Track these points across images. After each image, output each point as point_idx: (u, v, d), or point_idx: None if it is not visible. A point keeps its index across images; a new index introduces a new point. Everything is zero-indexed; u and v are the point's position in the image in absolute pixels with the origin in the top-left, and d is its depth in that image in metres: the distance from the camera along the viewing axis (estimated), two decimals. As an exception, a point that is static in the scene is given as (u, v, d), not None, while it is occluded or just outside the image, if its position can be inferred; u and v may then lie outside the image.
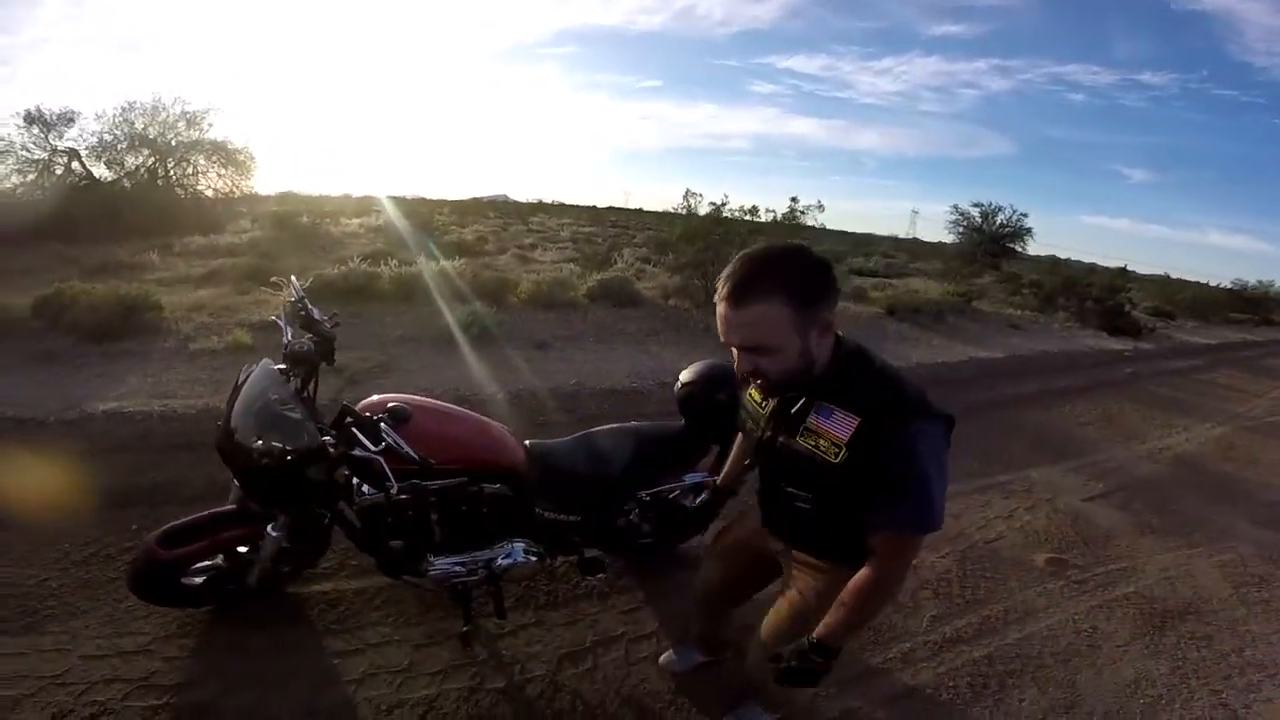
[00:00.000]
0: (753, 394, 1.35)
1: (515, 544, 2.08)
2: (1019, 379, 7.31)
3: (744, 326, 1.08)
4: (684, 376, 2.25)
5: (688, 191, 7.83)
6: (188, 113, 11.01)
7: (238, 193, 11.74)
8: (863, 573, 1.21)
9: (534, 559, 2.10)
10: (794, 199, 7.70)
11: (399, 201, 17.18)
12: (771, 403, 1.28)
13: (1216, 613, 2.84)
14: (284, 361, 1.89)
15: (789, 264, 1.07)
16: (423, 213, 15.40)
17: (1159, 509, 3.92)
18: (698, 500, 1.84)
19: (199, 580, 1.98)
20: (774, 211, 7.82)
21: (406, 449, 1.71)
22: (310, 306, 2.00)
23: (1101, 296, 13.42)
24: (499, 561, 2.03)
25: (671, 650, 2.12)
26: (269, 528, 1.89)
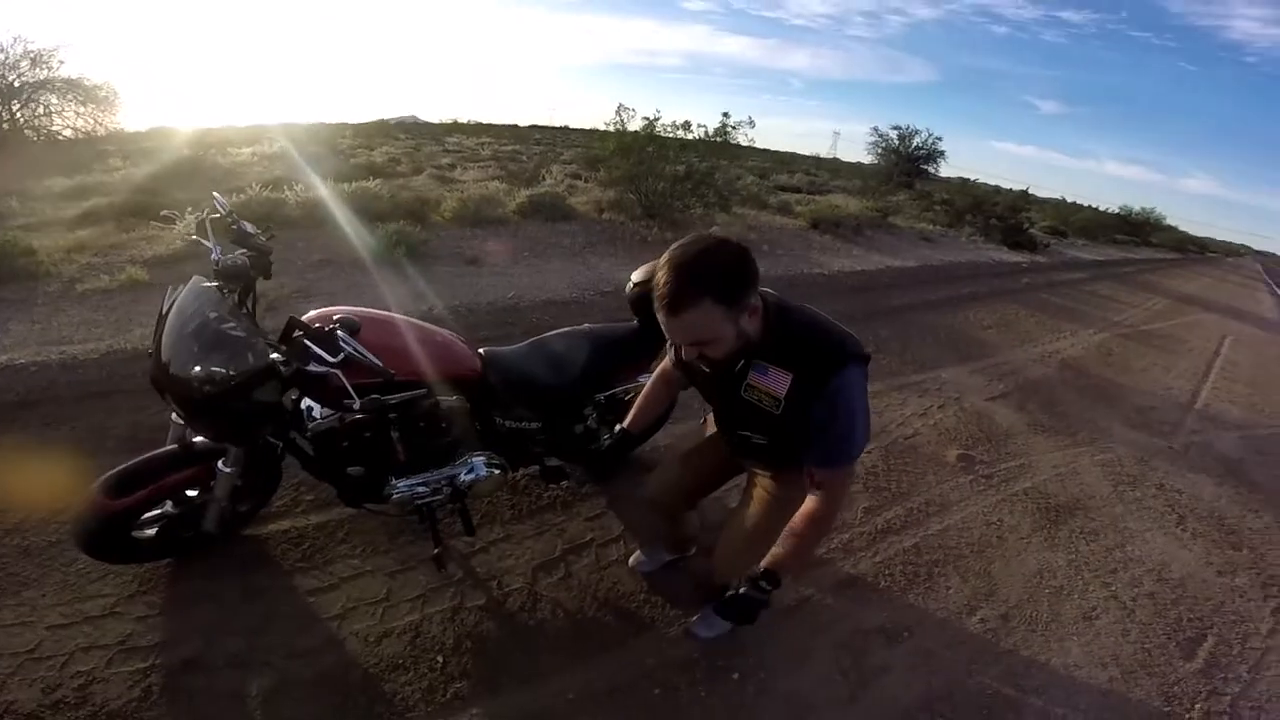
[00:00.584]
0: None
1: (476, 458, 2.03)
2: (929, 286, 7.84)
3: (684, 330, 1.22)
4: (636, 277, 2.21)
5: (620, 107, 7.50)
6: (31, 51, 9.44)
7: (102, 130, 10.32)
8: (806, 505, 1.37)
9: (496, 471, 2.07)
10: (725, 114, 7.58)
11: (295, 129, 15.47)
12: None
13: (1100, 509, 3.20)
14: (215, 279, 1.75)
15: (712, 267, 1.17)
16: (323, 137, 14.00)
17: (1049, 409, 4.41)
18: (605, 442, 1.79)
19: (151, 532, 1.87)
20: (705, 127, 7.67)
21: (370, 358, 1.59)
22: (240, 220, 1.86)
23: (1004, 215, 14.32)
24: (462, 477, 1.99)
25: (639, 551, 2.24)
26: (220, 464, 1.78)
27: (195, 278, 1.71)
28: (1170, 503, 3.43)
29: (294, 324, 1.57)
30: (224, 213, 1.85)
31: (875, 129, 24.64)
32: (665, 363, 1.74)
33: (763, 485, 1.64)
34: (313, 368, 1.56)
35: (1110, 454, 3.89)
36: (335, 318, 1.60)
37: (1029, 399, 4.53)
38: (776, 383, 1.32)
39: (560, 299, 4.74)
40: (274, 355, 1.53)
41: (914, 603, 2.34)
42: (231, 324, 1.60)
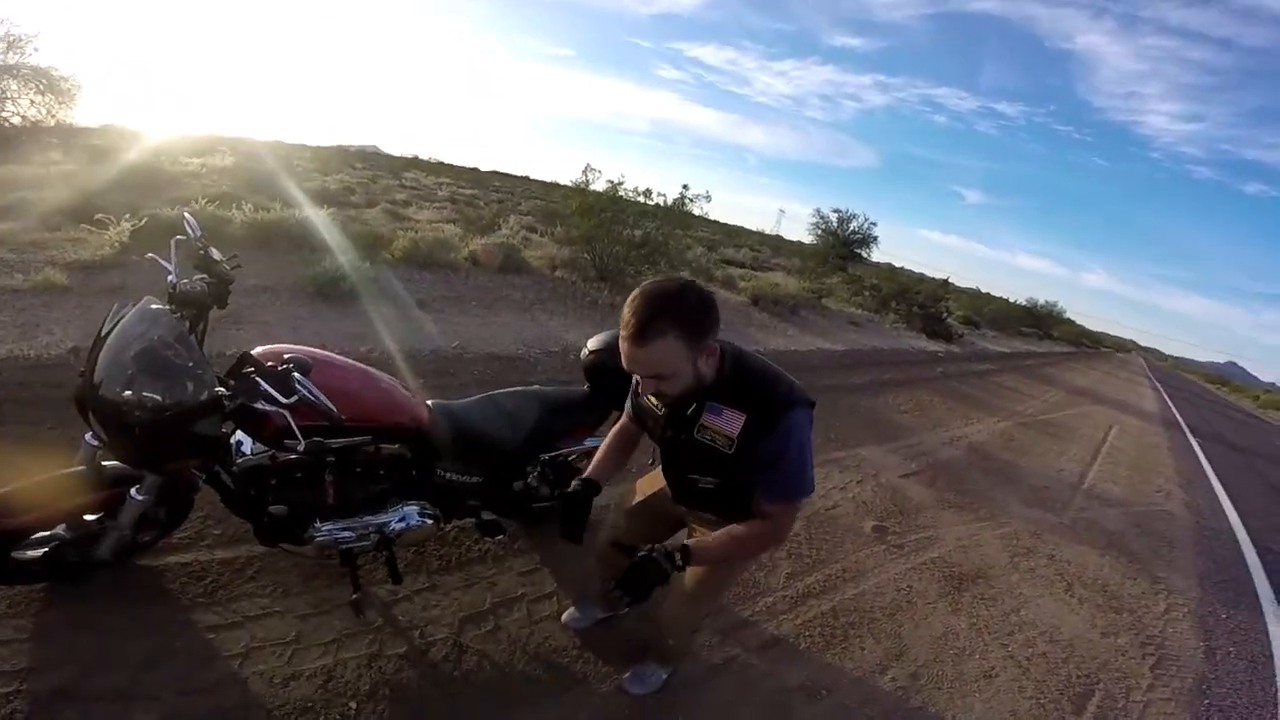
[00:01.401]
0: (651, 399, 1.54)
1: (409, 506, 2.03)
2: (854, 370, 8.33)
3: (646, 361, 1.29)
4: (592, 344, 2.31)
5: (587, 167, 7.85)
6: (9, 35, 9.04)
7: (50, 121, 9.79)
8: (752, 522, 1.47)
9: (429, 522, 2.06)
10: (685, 187, 8.03)
11: (251, 144, 15.12)
12: (665, 406, 1.50)
13: (998, 577, 3.47)
14: (169, 303, 1.70)
15: (680, 305, 1.27)
16: (279, 157, 13.72)
17: (956, 487, 4.76)
18: (570, 489, 1.76)
19: (35, 553, 1.71)
20: (664, 196, 8.07)
21: (324, 401, 1.57)
22: (209, 245, 1.84)
23: (926, 304, 15.49)
24: (393, 525, 1.97)
25: (573, 608, 2.26)
26: (133, 491, 1.69)
27: (146, 298, 1.65)
28: (1060, 571, 3.78)
29: (246, 359, 1.57)
30: (194, 236, 1.83)
31: (818, 210, 26.34)
32: (623, 418, 1.80)
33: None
34: (260, 405, 1.55)
35: (1008, 527, 4.25)
36: (286, 357, 1.59)
37: (939, 477, 4.87)
38: (730, 423, 1.40)
39: (505, 354, 4.79)
40: (220, 389, 1.53)
41: (832, 662, 2.46)
42: (179, 351, 1.56)
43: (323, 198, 10.74)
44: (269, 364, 1.55)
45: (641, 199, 7.95)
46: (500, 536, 2.32)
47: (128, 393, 1.46)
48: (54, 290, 3.97)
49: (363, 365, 2.00)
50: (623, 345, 1.30)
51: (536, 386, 2.40)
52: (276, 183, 10.25)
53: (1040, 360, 19.36)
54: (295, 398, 1.51)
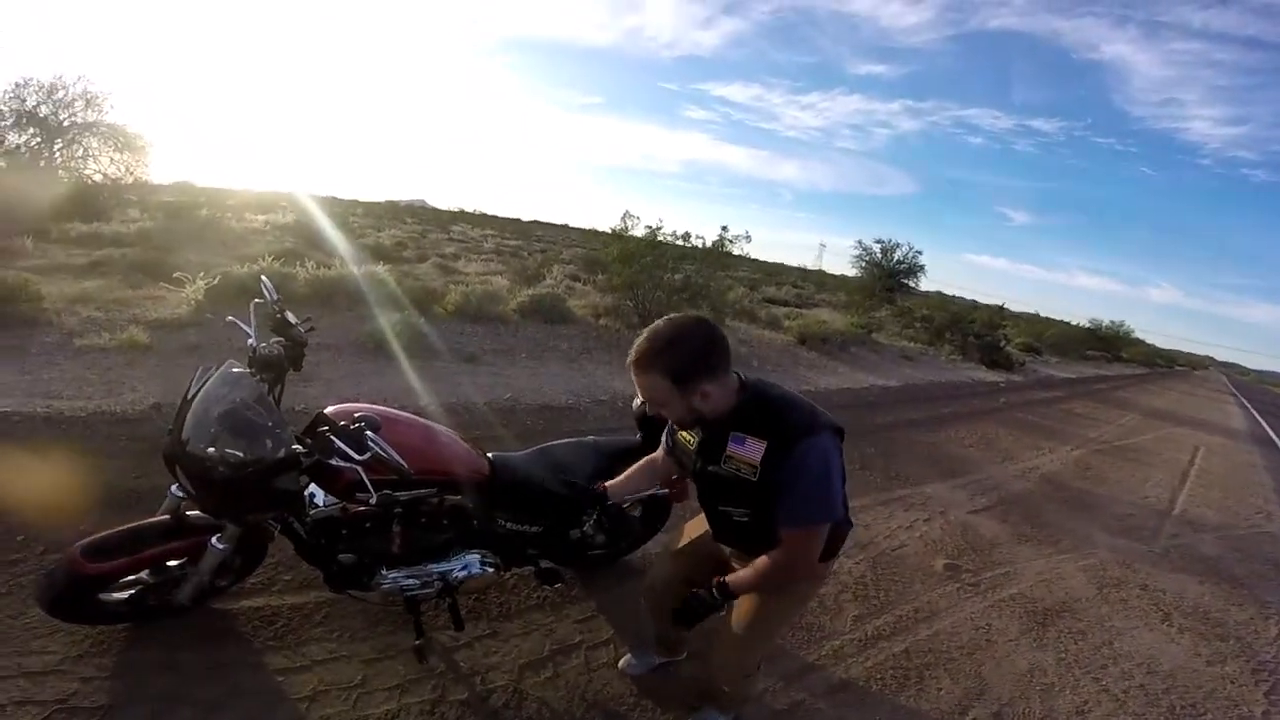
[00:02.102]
0: (683, 434, 1.62)
1: (471, 555, 2.10)
2: (912, 405, 8.03)
3: (642, 389, 1.44)
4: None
5: (626, 213, 8.04)
6: (88, 93, 9.98)
7: (129, 179, 10.67)
8: (775, 552, 1.47)
9: (490, 570, 2.14)
10: (724, 228, 8.10)
11: (309, 200, 16.24)
12: (697, 438, 1.56)
13: (1086, 610, 3.28)
14: (250, 366, 1.82)
15: (673, 351, 1.37)
16: (335, 214, 14.66)
17: (1031, 520, 4.48)
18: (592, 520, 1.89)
19: (121, 596, 1.85)
20: (703, 239, 8.17)
21: (395, 457, 1.68)
22: (285, 309, 1.95)
23: (981, 333, 14.96)
24: (455, 573, 2.05)
25: (629, 654, 2.22)
26: (213, 539, 1.80)
27: (228, 362, 1.79)
28: (1155, 601, 3.51)
29: (321, 419, 1.68)
30: (270, 299, 1.94)
31: (859, 242, 25.67)
32: (660, 449, 1.85)
33: None
34: (335, 461, 1.63)
35: (1093, 559, 3.97)
36: (358, 415, 1.69)
37: (1011, 511, 4.61)
38: (752, 451, 1.43)
39: (556, 404, 4.83)
40: (297, 447, 1.63)
41: (906, 704, 2.33)
42: (259, 411, 1.67)
43: (377, 253, 11.33)
44: (342, 423, 1.66)
45: (680, 242, 8.06)
46: (558, 584, 2.33)
47: (212, 449, 1.58)
48: (137, 348, 4.27)
49: (427, 421, 2.10)
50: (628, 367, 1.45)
51: (591, 438, 2.46)
52: (335, 239, 10.91)
53: (1111, 384, 18.28)
54: (368, 454, 1.62)
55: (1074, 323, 32.60)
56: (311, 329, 2.04)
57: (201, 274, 5.48)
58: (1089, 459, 6.92)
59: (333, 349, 5.11)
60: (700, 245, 8.13)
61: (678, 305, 7.80)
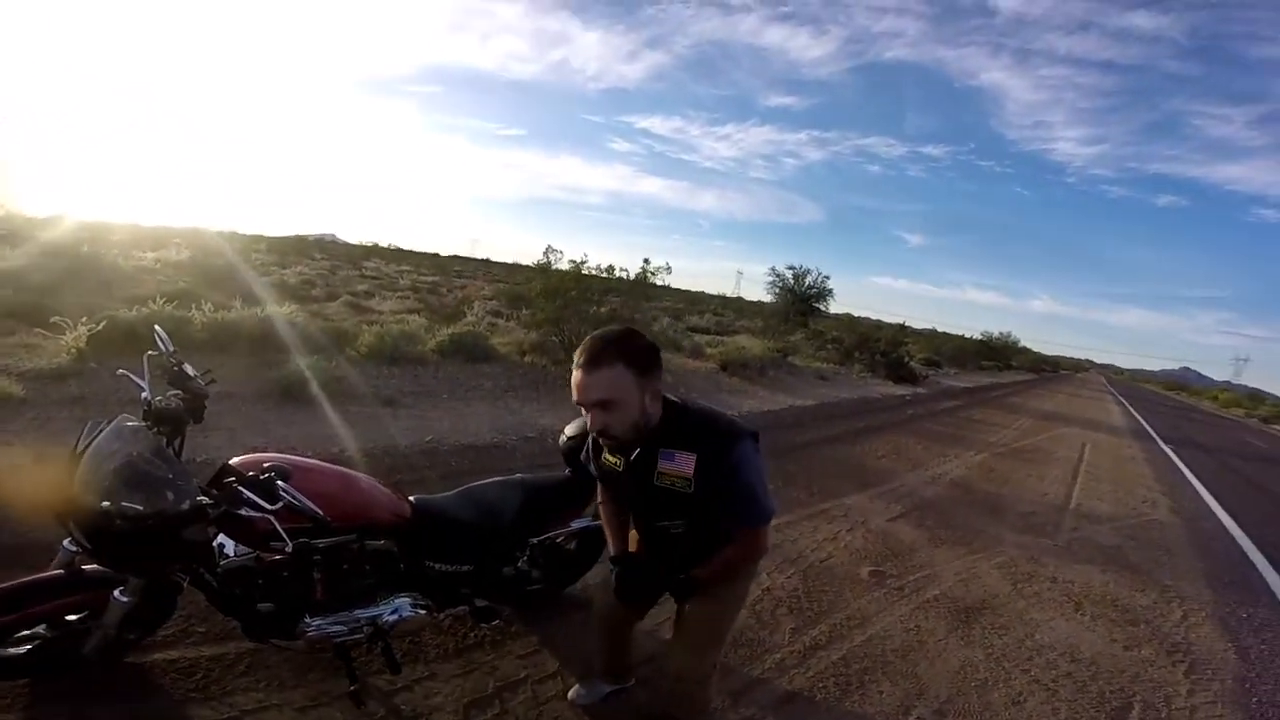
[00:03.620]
0: (608, 458, 1.66)
1: (400, 599, 2.04)
2: (828, 422, 8.43)
3: (596, 386, 1.41)
4: (570, 431, 2.41)
5: (549, 248, 8.04)
6: None
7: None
8: (733, 548, 1.60)
9: (422, 612, 2.09)
10: (646, 260, 8.25)
11: (206, 236, 15.15)
12: (623, 461, 1.60)
13: (1004, 606, 3.47)
14: (146, 420, 1.72)
15: (629, 343, 1.44)
16: (236, 250, 13.75)
17: (945, 523, 4.77)
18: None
19: (20, 650, 1.73)
20: (626, 271, 8.29)
21: (309, 505, 1.64)
22: (183, 361, 1.87)
23: (887, 350, 15.95)
24: (385, 618, 1.99)
25: (578, 685, 2.18)
26: (116, 592, 1.69)
27: (120, 416, 1.69)
28: (1065, 592, 3.79)
29: (227, 470, 1.62)
30: (165, 350, 1.84)
31: (773, 269, 26.83)
32: (599, 493, 1.88)
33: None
34: (244, 512, 1.58)
35: (1004, 556, 4.26)
36: (266, 465, 1.65)
37: (926, 516, 4.89)
38: (684, 464, 1.50)
39: (480, 443, 4.72)
40: (202, 498, 1.55)
41: (852, 709, 2.40)
42: (158, 463, 1.58)
43: (283, 292, 10.70)
44: (250, 473, 1.61)
45: (605, 275, 8.15)
46: (495, 621, 2.31)
47: (108, 504, 1.47)
48: (9, 402, 3.85)
49: (341, 468, 2.06)
50: (575, 377, 1.44)
51: (518, 475, 2.45)
52: (235, 278, 10.21)
53: (1004, 390, 19.93)
54: (280, 504, 1.59)
55: (968, 335, 35.50)
56: (212, 381, 1.96)
57: (84, 319, 4.99)
58: (991, 462, 7.47)
59: (235, 397, 4.78)
60: (625, 277, 8.24)
61: (603, 338, 7.81)
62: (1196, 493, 7.55)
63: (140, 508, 1.48)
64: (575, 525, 2.47)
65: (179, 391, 1.82)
